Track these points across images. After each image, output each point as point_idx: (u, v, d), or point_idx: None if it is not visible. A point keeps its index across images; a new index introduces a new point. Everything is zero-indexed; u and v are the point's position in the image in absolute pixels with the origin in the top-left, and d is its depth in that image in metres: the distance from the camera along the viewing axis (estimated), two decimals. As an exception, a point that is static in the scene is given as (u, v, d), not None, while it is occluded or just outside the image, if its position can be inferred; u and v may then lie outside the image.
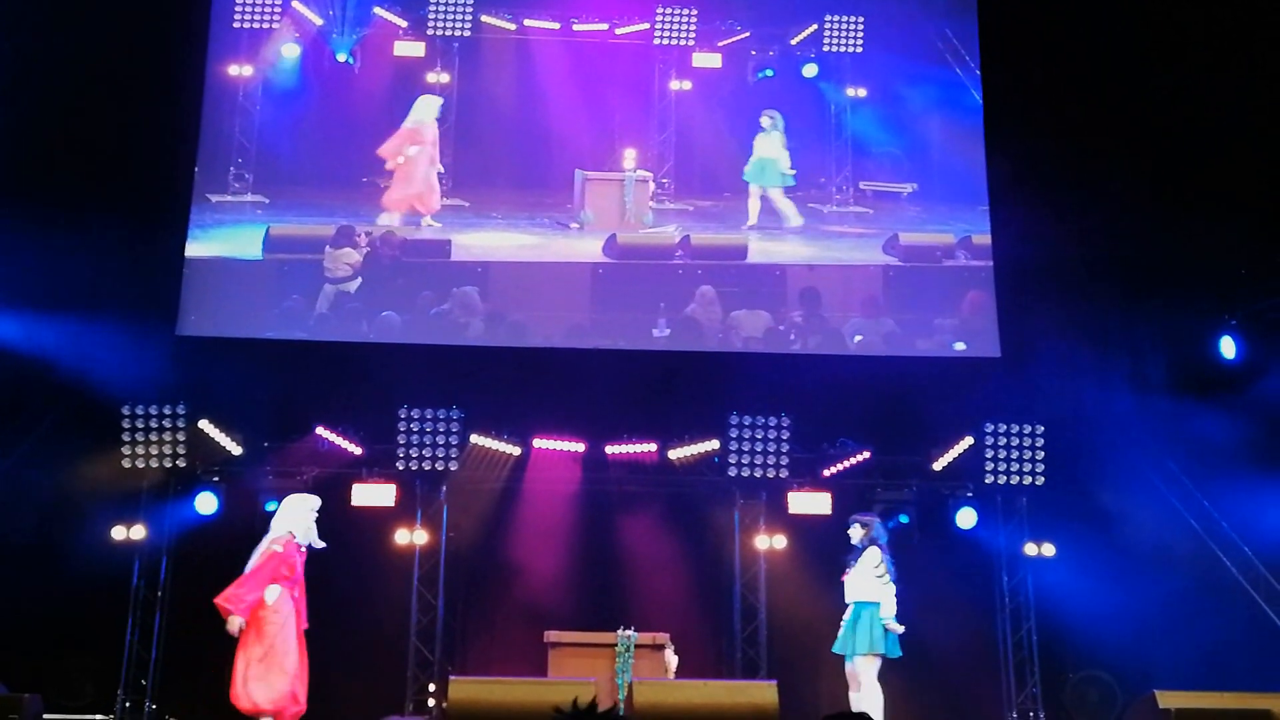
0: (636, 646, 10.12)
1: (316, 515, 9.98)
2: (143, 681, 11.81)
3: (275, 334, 12.77)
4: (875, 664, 9.79)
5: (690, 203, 13.60)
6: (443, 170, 13.35)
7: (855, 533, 10.18)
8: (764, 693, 9.40)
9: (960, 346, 13.17)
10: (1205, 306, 12.79)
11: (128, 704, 11.71)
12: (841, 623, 9.99)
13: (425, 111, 13.41)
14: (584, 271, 13.24)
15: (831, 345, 13.12)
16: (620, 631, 10.18)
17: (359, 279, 12.94)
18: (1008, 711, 12.29)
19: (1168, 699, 9.31)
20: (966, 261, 13.38)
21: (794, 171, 13.55)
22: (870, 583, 9.90)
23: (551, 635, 10.30)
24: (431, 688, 11.96)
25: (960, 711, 12.39)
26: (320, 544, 9.94)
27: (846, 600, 10.02)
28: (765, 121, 13.61)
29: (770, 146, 13.57)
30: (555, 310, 13.11)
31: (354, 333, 12.87)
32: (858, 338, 13.20)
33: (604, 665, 10.04)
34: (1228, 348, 12.55)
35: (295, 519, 9.88)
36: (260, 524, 11.95)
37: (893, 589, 9.90)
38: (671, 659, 10.33)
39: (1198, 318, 12.81)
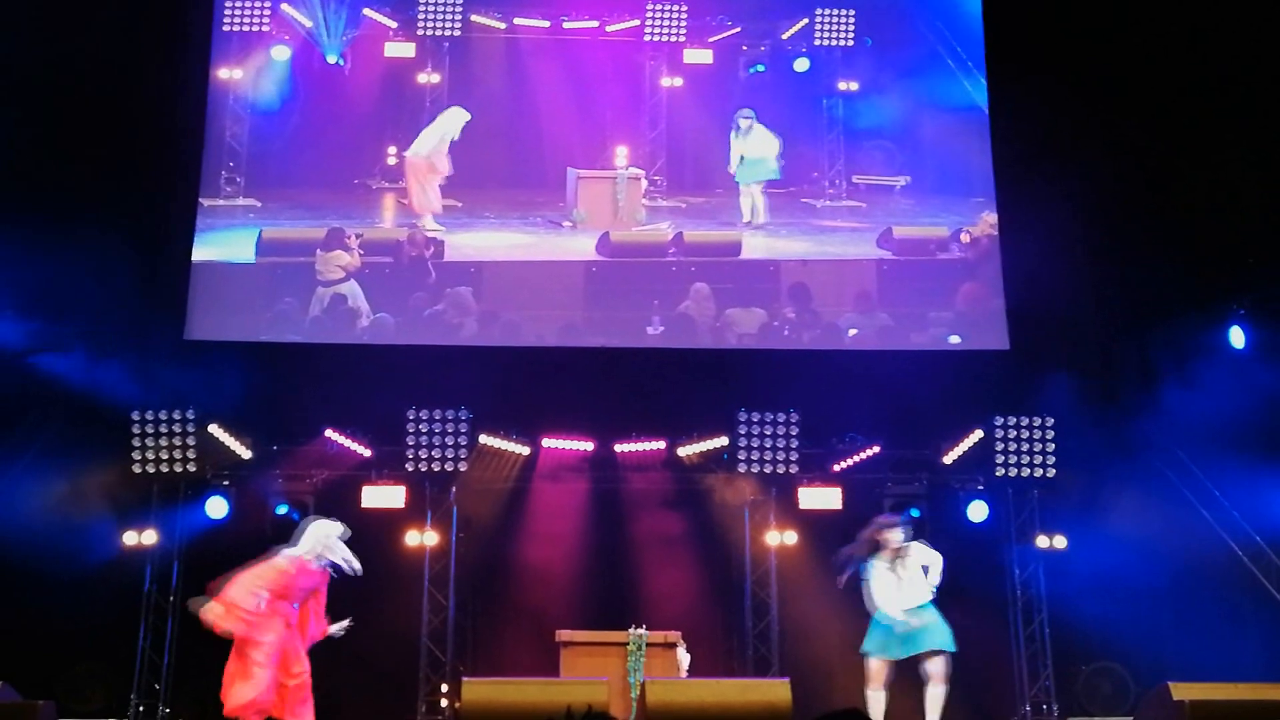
0: (648, 645, 10.09)
1: (340, 539, 9.60)
2: (156, 686, 11.83)
3: (269, 337, 12.77)
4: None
5: (683, 200, 13.58)
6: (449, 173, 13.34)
7: (897, 536, 10.21)
8: (777, 691, 9.40)
9: (955, 340, 13.14)
10: (1214, 296, 12.74)
11: (141, 709, 11.74)
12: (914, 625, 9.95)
13: (453, 125, 13.38)
14: (577, 270, 13.23)
15: (826, 340, 13.11)
16: (632, 630, 10.17)
17: (352, 281, 12.94)
18: (1021, 704, 12.27)
19: (1181, 690, 9.28)
20: (960, 254, 13.37)
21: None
22: (923, 580, 10.02)
23: (563, 634, 10.28)
24: (444, 689, 11.97)
25: (974, 704, 12.34)
26: (352, 566, 9.57)
27: (911, 604, 9.98)
28: (744, 122, 13.53)
29: (758, 144, 13.51)
30: (549, 309, 13.10)
31: (348, 335, 12.87)
32: (852, 331, 13.18)
33: (616, 664, 10.02)
34: (1237, 337, 12.51)
35: (311, 543, 9.49)
36: (271, 527, 12.03)
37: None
38: (683, 657, 10.31)
39: (1206, 307, 12.76)
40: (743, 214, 13.50)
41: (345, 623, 9.61)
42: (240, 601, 9.12)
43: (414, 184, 13.25)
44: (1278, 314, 12.31)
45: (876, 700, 9.93)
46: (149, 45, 12.94)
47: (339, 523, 9.72)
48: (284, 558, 9.42)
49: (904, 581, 10.08)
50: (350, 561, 9.56)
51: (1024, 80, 13.39)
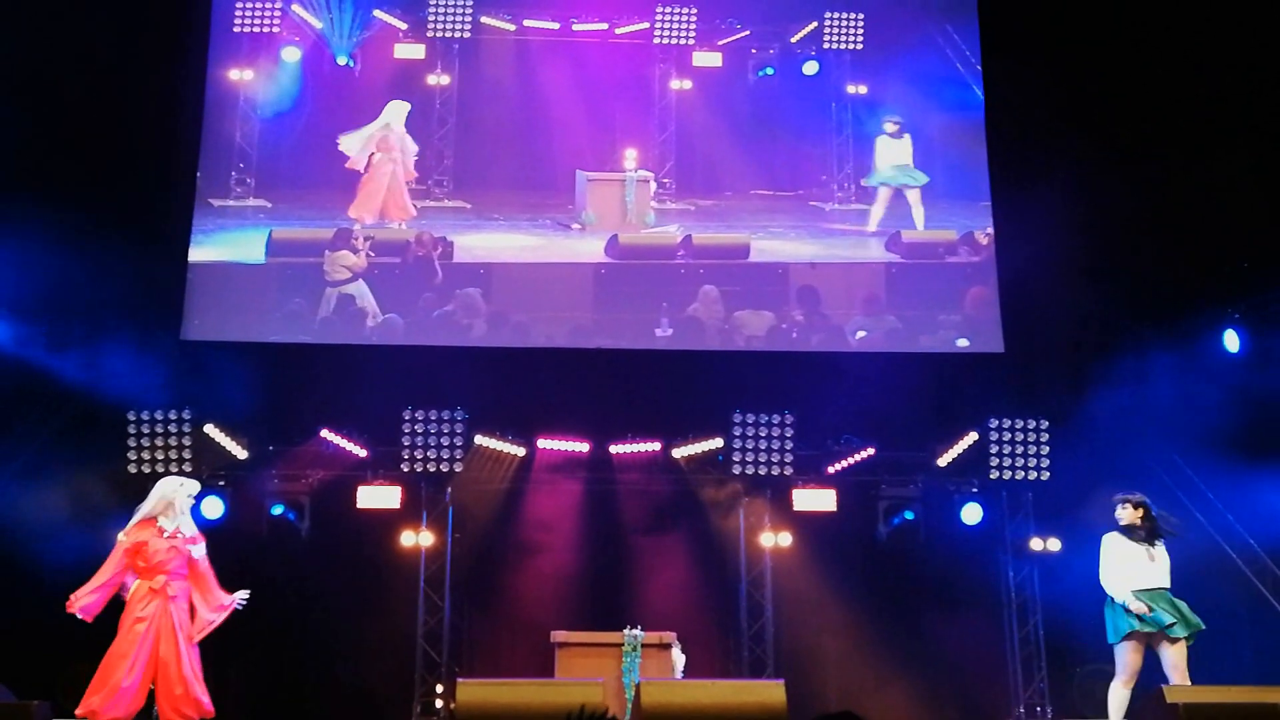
0: (643, 646, 10.11)
1: (190, 500, 9.11)
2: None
3: (279, 338, 12.80)
4: None
5: (692, 202, 13.60)
6: (414, 178, 13.29)
7: (1130, 513, 9.82)
8: (772, 692, 9.37)
9: (963, 343, 13.17)
10: (1209, 299, 12.76)
11: (136, 709, 11.73)
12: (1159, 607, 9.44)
13: (392, 117, 13.35)
14: (586, 272, 13.25)
15: (834, 343, 13.13)
16: (627, 631, 10.19)
17: (360, 281, 12.96)
18: (1015, 706, 12.30)
19: (1175, 693, 9.27)
20: (969, 258, 13.40)
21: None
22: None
23: (558, 635, 10.29)
24: (439, 689, 11.99)
25: (968, 706, 12.41)
26: (191, 532, 9.02)
27: (1157, 584, 9.59)
28: (890, 127, 13.62)
29: (901, 152, 13.57)
30: (558, 311, 13.12)
31: (357, 335, 12.89)
32: (860, 334, 13.21)
33: (611, 665, 10.03)
34: (1231, 341, 12.52)
35: (156, 503, 9.01)
36: (267, 528, 12.05)
37: None
38: (678, 658, 10.33)
39: (1201, 311, 12.78)
40: (872, 220, 13.48)
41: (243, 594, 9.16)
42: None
43: (370, 188, 13.19)
44: (1273, 318, 12.31)
45: (1117, 699, 9.34)
46: (149, 45, 12.93)
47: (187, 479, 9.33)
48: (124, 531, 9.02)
49: (1154, 561, 9.64)
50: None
51: (1020, 84, 13.42)
